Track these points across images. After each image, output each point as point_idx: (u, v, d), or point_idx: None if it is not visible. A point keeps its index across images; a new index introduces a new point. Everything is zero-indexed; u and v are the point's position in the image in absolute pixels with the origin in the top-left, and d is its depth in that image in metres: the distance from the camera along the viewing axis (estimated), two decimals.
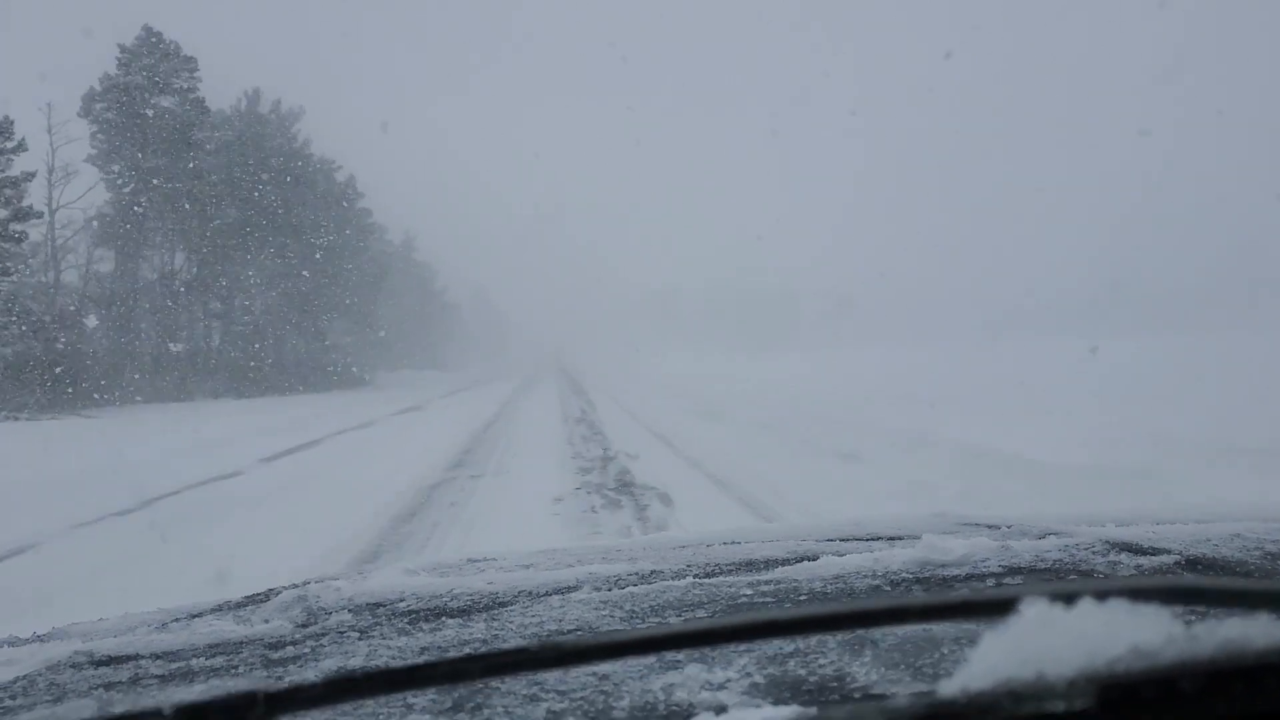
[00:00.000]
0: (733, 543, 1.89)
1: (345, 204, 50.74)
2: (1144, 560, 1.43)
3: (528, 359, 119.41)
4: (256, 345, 42.01)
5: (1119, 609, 0.47)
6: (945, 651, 0.99)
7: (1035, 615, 0.48)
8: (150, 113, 35.47)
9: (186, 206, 36.77)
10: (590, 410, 22.80)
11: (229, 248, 39.73)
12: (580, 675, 0.98)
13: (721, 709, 0.85)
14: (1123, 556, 1.46)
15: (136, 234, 35.60)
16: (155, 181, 35.69)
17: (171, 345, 37.28)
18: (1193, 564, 1.40)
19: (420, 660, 1.10)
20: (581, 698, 0.91)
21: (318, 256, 45.23)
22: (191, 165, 36.94)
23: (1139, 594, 0.49)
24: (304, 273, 44.41)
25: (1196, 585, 0.59)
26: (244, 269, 41.62)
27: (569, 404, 26.32)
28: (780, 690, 0.90)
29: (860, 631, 1.08)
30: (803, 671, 0.95)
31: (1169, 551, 1.47)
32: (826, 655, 1.00)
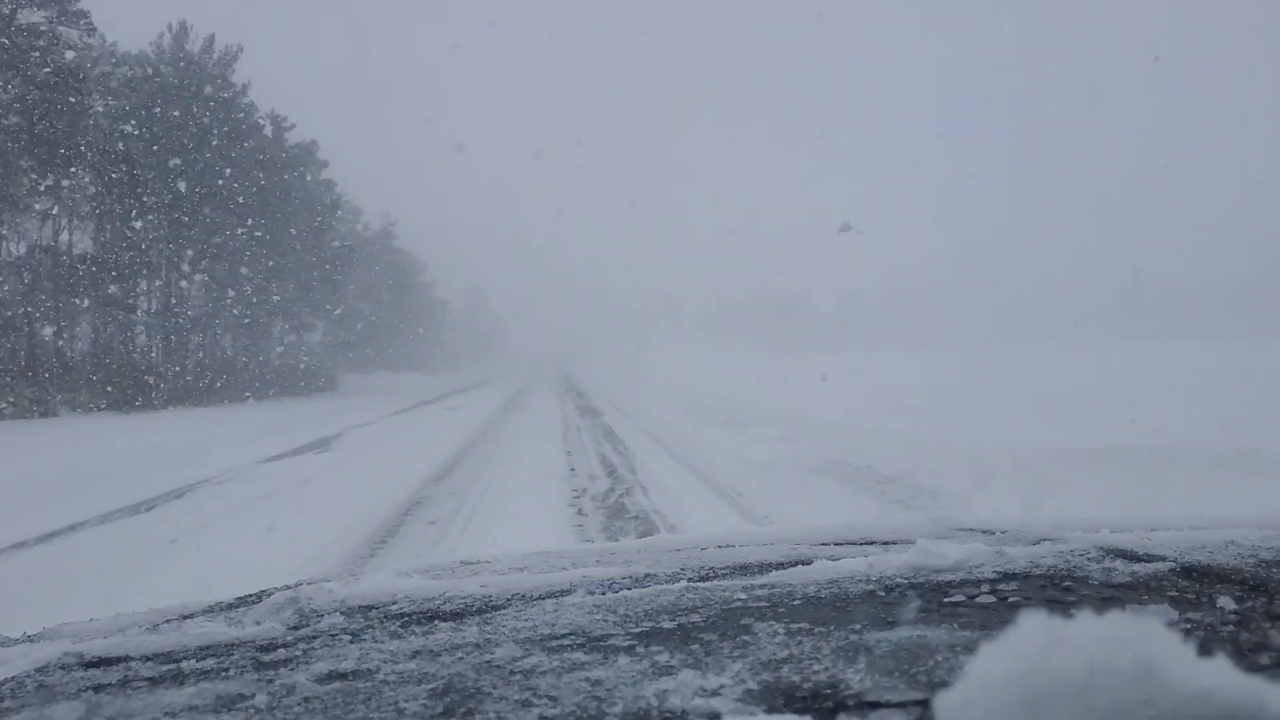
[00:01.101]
0: (727, 546, 1.88)
1: (301, 170, 40.97)
2: (1139, 567, 1.43)
3: (524, 362, 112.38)
4: (164, 343, 32.66)
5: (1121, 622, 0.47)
6: (940, 659, 0.98)
7: (1035, 626, 0.48)
8: (14, 29, 26.23)
9: (75, 171, 28.06)
10: (626, 464, 12.75)
11: (137, 215, 30.28)
12: (573, 680, 0.97)
13: (715, 716, 0.85)
14: (1118, 563, 1.46)
15: None
16: (19, 120, 26.34)
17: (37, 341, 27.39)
18: (1187, 571, 1.41)
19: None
20: (574, 704, 0.91)
21: (261, 233, 35.92)
22: (79, 103, 27.55)
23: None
24: (244, 254, 35.46)
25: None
26: (160, 245, 32.01)
27: (580, 445, 15.45)
28: (774, 697, 0.90)
29: (854, 638, 1.08)
30: (797, 678, 0.95)
31: (1164, 558, 1.48)
32: (820, 662, 1.00)
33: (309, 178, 42.23)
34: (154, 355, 32.97)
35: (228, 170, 34.21)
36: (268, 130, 39.61)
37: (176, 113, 32.12)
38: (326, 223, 43.91)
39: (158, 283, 33.62)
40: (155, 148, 31.08)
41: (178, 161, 31.74)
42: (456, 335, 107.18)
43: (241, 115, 36.67)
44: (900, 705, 0.86)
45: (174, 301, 33.84)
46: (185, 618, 1.50)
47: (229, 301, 36.04)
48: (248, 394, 33.71)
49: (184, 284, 34.72)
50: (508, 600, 1.44)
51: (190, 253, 33.96)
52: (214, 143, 33.84)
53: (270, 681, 1.07)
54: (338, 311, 46.62)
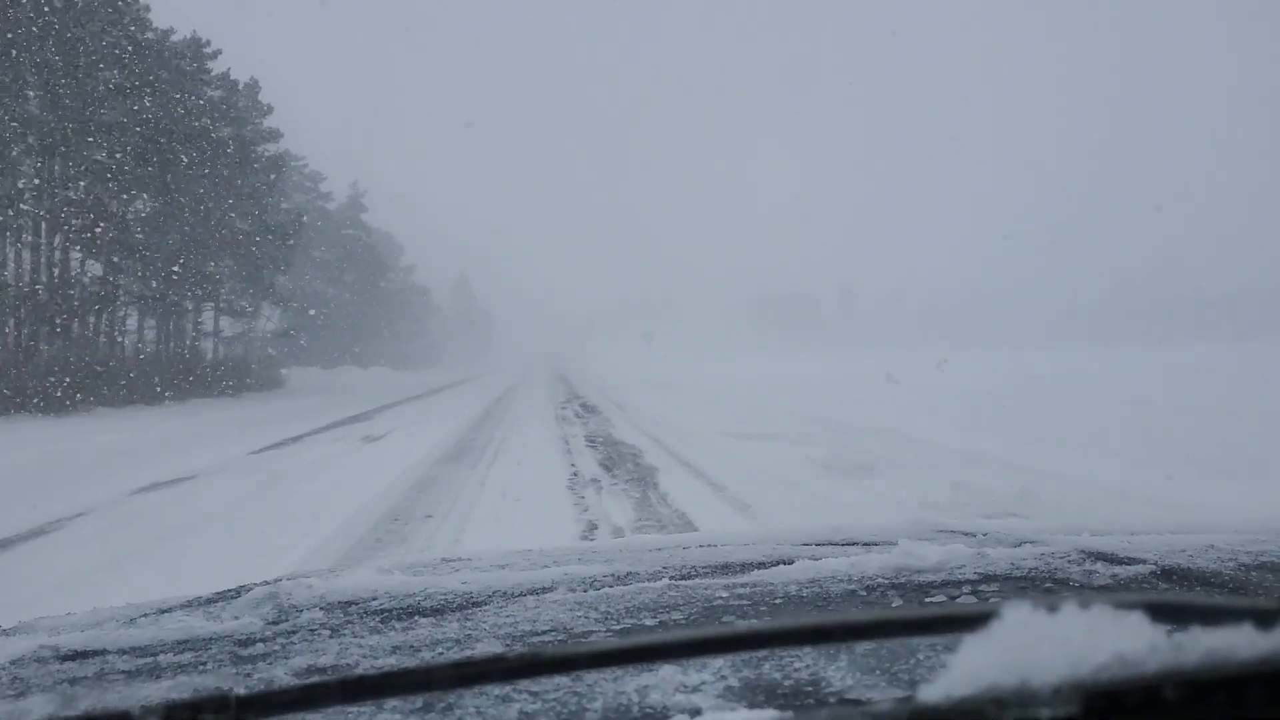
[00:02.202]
0: (709, 545, 1.88)
1: (230, 110, 31.65)
2: (1119, 570, 1.44)
3: (513, 359, 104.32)
4: (30, 329, 23.29)
5: (1102, 616, 0.47)
6: (921, 657, 0.99)
7: (1017, 621, 0.48)
8: None
9: None
10: None
11: None
12: (554, 676, 0.97)
13: (696, 712, 0.85)
14: (1098, 565, 1.47)
15: None
16: None
17: None
18: (1168, 574, 1.42)
19: (396, 667, 1.09)
20: (554, 699, 0.90)
21: (171, 190, 26.94)
22: None
23: (1121, 607, 0.49)
24: (147, 214, 26.54)
25: (1179, 601, 0.59)
26: (21, 195, 22.82)
27: None
28: (755, 694, 0.90)
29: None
30: (778, 675, 0.95)
31: (1144, 561, 1.49)
32: (801, 659, 1.00)
33: (244, 141, 32.23)
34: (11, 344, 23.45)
35: (122, 102, 25.19)
36: (188, 67, 30.24)
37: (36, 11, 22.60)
38: (268, 182, 33.95)
39: (24, 251, 24.62)
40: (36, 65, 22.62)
41: (36, 80, 23.00)
42: (440, 328, 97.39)
43: (143, 31, 27.34)
44: (882, 702, 0.86)
45: (34, 272, 24.42)
46: (163, 612, 1.50)
47: (141, 275, 27.30)
48: (135, 397, 24.41)
49: (61, 251, 25.23)
50: (489, 597, 1.44)
51: (67, 211, 24.53)
52: (97, 62, 24.57)
53: (248, 675, 1.06)
54: (290, 303, 38.62)
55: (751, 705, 0.86)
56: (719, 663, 0.98)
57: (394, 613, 1.36)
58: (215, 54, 32.36)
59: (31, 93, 23.51)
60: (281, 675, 1.05)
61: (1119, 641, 0.46)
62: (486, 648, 1.14)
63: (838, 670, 0.96)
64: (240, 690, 0.88)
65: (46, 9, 23.16)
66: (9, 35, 21.71)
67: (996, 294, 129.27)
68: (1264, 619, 0.46)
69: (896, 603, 1.30)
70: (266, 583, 1.58)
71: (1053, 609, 0.48)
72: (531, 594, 1.44)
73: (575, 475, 10.54)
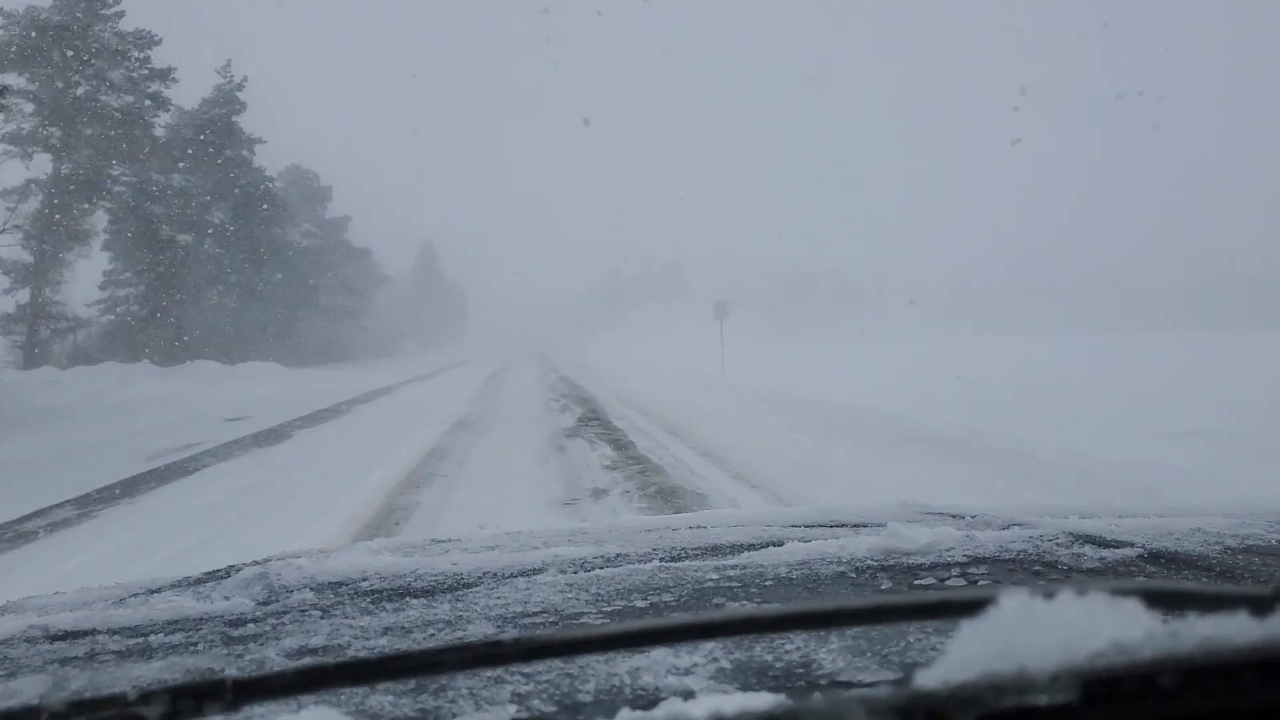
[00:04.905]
0: (699, 527, 1.89)
1: None
2: (1107, 553, 1.45)
3: (494, 348, 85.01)
4: None
5: (1099, 603, 0.47)
6: (911, 639, 0.99)
7: (1014, 607, 0.48)
8: None
9: None
10: None
11: None
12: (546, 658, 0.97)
13: (689, 694, 0.85)
14: (1086, 549, 1.48)
15: None
16: None
17: None
18: (1155, 557, 1.43)
19: (391, 651, 1.09)
20: (547, 680, 0.90)
21: None
22: None
23: (1117, 594, 0.49)
24: None
25: (1175, 588, 0.60)
26: None
27: None
28: (747, 675, 0.90)
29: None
30: (769, 657, 0.95)
31: (1132, 545, 1.50)
32: (792, 641, 1.00)
33: None
34: None
35: None
36: None
37: None
38: None
39: None
40: None
41: None
42: (394, 308, 77.88)
43: None
44: (872, 685, 0.86)
45: None
46: (152, 592, 1.49)
47: None
48: None
49: None
50: (479, 578, 1.44)
51: None
52: None
53: (240, 656, 1.06)
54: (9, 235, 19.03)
55: (744, 687, 0.87)
56: (710, 644, 0.99)
57: (385, 594, 1.37)
58: None
59: None
60: (273, 656, 1.05)
61: (1115, 628, 0.46)
62: (478, 629, 1.14)
63: (829, 652, 0.96)
64: (234, 672, 0.88)
65: None
66: None
67: (1016, 278, 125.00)
68: (1259, 606, 0.47)
69: (886, 585, 1.31)
70: (256, 563, 1.58)
71: (1049, 595, 0.48)
72: (522, 575, 1.44)
73: None
